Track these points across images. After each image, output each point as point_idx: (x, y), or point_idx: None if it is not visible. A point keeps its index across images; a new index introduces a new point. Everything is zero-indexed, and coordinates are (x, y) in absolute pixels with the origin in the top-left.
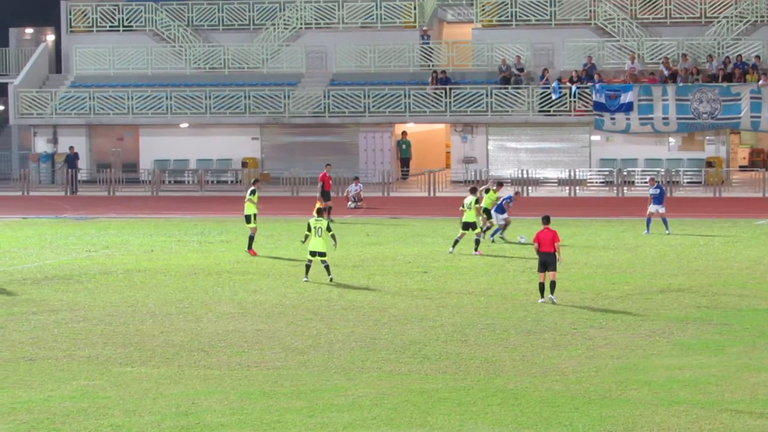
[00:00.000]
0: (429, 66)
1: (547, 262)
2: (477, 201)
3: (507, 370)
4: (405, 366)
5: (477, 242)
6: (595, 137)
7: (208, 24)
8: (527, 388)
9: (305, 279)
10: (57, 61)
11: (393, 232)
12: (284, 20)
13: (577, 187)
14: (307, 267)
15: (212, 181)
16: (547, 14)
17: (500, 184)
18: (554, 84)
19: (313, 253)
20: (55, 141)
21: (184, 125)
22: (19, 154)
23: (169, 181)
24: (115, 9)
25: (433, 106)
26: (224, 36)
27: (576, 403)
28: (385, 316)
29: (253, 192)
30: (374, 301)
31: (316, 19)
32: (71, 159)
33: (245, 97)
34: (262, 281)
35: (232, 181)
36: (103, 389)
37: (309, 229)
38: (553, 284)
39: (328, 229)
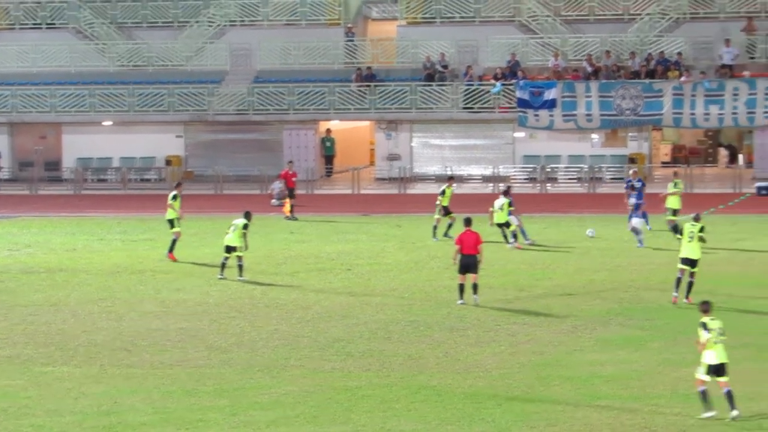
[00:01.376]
0: (354, 63)
1: (470, 264)
2: (510, 204)
3: (430, 367)
4: (328, 363)
5: (515, 236)
6: (519, 134)
7: (132, 21)
8: (450, 385)
9: (220, 276)
10: None
11: (317, 230)
12: (208, 17)
13: (501, 184)
14: (223, 264)
15: (136, 180)
16: (471, 11)
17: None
18: (498, 83)
19: (228, 249)
20: None
21: (108, 123)
22: None
23: (93, 180)
24: (37, 6)
25: (357, 103)
26: (148, 33)
27: (499, 399)
28: (308, 314)
29: (174, 197)
30: (298, 299)
31: (240, 17)
32: None
33: (169, 95)
34: (186, 280)
35: (155, 180)
36: (24, 389)
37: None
38: (475, 286)
39: (244, 228)
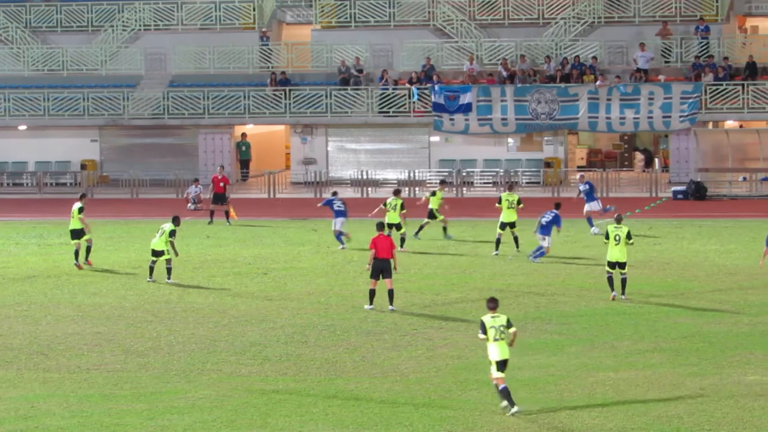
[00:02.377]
0: (268, 67)
1: (384, 268)
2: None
3: (347, 371)
4: (245, 368)
5: (403, 240)
6: (435, 138)
7: (47, 26)
8: (367, 389)
9: (150, 279)
10: None
11: (233, 234)
12: (123, 22)
13: (417, 188)
14: (151, 268)
15: (51, 184)
16: (386, 15)
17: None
18: (413, 88)
19: (155, 253)
20: None
21: (23, 127)
22: None
23: (8, 184)
24: None
25: (272, 107)
26: (63, 38)
27: (416, 404)
28: (225, 318)
29: (80, 209)
30: (214, 303)
31: (155, 21)
32: None
33: (84, 99)
34: (102, 284)
35: (71, 184)
36: None
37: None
38: (391, 293)
39: (171, 234)
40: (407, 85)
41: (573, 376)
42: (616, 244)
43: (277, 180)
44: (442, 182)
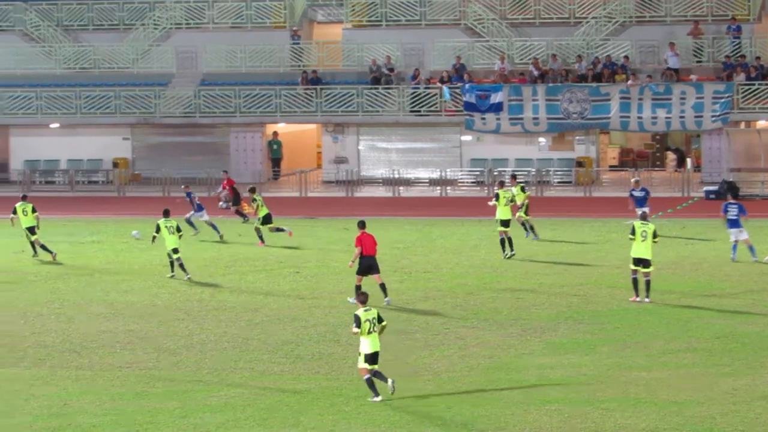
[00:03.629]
0: (299, 66)
1: (372, 265)
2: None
3: (380, 370)
4: (278, 366)
5: None
6: (466, 137)
7: (78, 24)
8: (399, 388)
9: (171, 275)
10: None
11: (265, 233)
12: (154, 20)
13: (448, 187)
14: (171, 263)
15: (83, 182)
16: (417, 14)
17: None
18: (444, 88)
19: (175, 251)
20: None
21: (55, 125)
22: None
23: (40, 182)
24: None
25: (303, 106)
26: (94, 36)
27: (448, 403)
28: (257, 317)
29: (33, 209)
30: (246, 302)
31: (186, 19)
32: None
33: (116, 98)
34: (134, 282)
35: (103, 182)
36: None
37: (158, 230)
38: (383, 286)
39: (178, 229)
40: (438, 85)
41: (605, 376)
42: (643, 241)
43: (309, 179)
44: (513, 177)
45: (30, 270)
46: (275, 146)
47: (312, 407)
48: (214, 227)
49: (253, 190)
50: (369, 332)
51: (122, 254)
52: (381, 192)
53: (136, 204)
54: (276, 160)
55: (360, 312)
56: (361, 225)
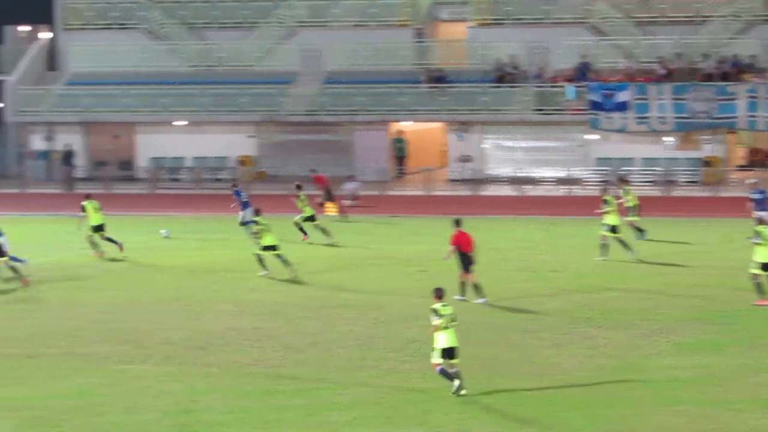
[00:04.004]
0: (424, 64)
1: (471, 262)
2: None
3: (507, 369)
4: (404, 365)
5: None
6: (591, 136)
7: (203, 22)
8: (527, 387)
9: (265, 272)
10: (52, 59)
11: (389, 231)
12: (278, 18)
13: (574, 186)
14: (261, 260)
15: (209, 179)
16: (541, 13)
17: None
18: (569, 86)
19: (266, 248)
20: (51, 138)
21: (180, 123)
22: (16, 152)
23: (166, 179)
24: (109, 7)
25: (428, 104)
26: (219, 34)
27: (577, 402)
28: (382, 315)
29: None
30: (372, 300)
31: (310, 18)
32: (67, 157)
33: (240, 96)
34: (260, 280)
35: (228, 179)
36: (102, 387)
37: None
38: (477, 286)
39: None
40: (563, 83)
41: (734, 377)
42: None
43: (434, 177)
44: (622, 179)
45: (157, 267)
46: (400, 144)
47: (438, 406)
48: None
49: (299, 187)
50: (446, 327)
51: (248, 251)
52: (506, 191)
53: (262, 202)
54: (400, 159)
55: (438, 306)
56: (457, 223)
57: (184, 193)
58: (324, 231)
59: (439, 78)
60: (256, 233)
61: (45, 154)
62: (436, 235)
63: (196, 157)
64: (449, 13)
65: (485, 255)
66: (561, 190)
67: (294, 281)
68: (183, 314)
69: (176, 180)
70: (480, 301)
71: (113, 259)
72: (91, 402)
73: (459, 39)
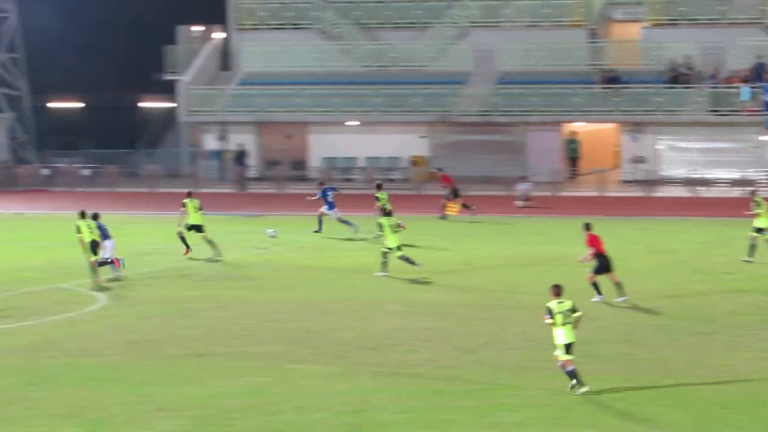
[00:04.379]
0: (597, 65)
1: (608, 264)
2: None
3: (678, 372)
4: (576, 366)
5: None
6: (767, 137)
7: (375, 22)
8: (698, 390)
9: (385, 273)
10: (225, 59)
11: (563, 232)
12: (451, 18)
13: (748, 188)
14: (384, 262)
15: (381, 180)
16: (716, 13)
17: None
18: (745, 87)
19: (392, 249)
20: (224, 138)
21: (352, 123)
22: (189, 151)
23: (339, 179)
24: (282, 7)
25: (601, 105)
26: (391, 34)
27: (749, 405)
28: None
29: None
30: (544, 300)
31: (483, 18)
32: (240, 156)
33: (413, 96)
34: (432, 279)
35: (400, 180)
36: (274, 385)
37: (382, 229)
38: (618, 284)
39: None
40: (738, 84)
41: None
42: None
43: (607, 178)
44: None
45: (328, 267)
46: (573, 145)
47: (610, 408)
48: (348, 223)
49: (379, 187)
50: (563, 324)
51: (420, 252)
52: (679, 192)
53: (432, 202)
54: (573, 159)
55: (553, 304)
56: (588, 227)
57: (357, 193)
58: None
59: (612, 78)
60: (380, 234)
61: (218, 154)
62: (610, 235)
63: (368, 158)
64: (623, 14)
65: (659, 257)
66: (735, 192)
67: (462, 282)
68: (353, 314)
69: (348, 180)
70: (621, 300)
71: (210, 260)
72: (262, 401)
73: (633, 39)
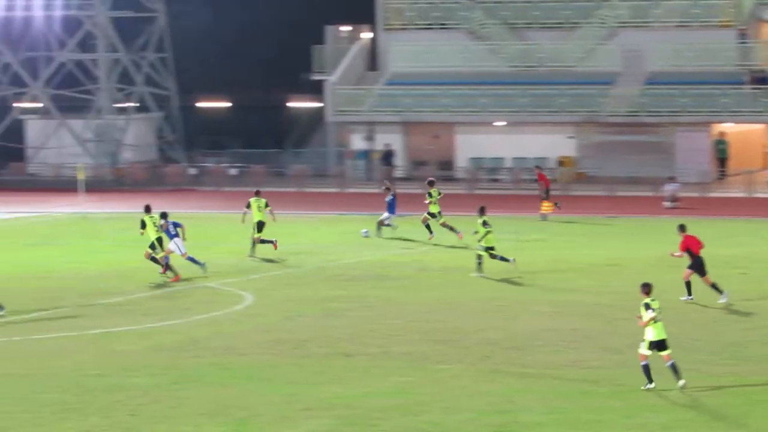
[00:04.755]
0: (747, 65)
1: (702, 266)
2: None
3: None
4: (722, 368)
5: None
6: None
7: (523, 22)
8: None
9: (480, 274)
10: (372, 59)
11: (710, 232)
12: (600, 18)
13: None
14: (479, 263)
15: (528, 180)
16: None
17: None
18: None
19: (486, 249)
20: (371, 138)
21: (499, 123)
22: (336, 151)
23: (486, 179)
24: (430, 7)
25: (751, 105)
26: (539, 34)
27: None
28: (703, 317)
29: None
30: (695, 301)
31: (632, 18)
32: (387, 156)
33: (560, 96)
34: (579, 280)
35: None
36: (421, 386)
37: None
38: (714, 285)
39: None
40: None
41: None
42: None
43: (755, 179)
44: None
45: (474, 267)
46: (722, 146)
47: (758, 410)
48: (389, 225)
49: (431, 184)
50: (655, 321)
51: (566, 252)
52: None
53: (580, 203)
54: (722, 160)
55: (648, 300)
56: (682, 228)
57: (504, 194)
58: (451, 229)
59: (762, 79)
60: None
61: (365, 154)
62: (758, 236)
63: (515, 158)
64: None
65: None
66: None
67: (609, 283)
68: (500, 314)
69: (495, 180)
70: (723, 300)
71: (269, 260)
72: (408, 401)
73: None
